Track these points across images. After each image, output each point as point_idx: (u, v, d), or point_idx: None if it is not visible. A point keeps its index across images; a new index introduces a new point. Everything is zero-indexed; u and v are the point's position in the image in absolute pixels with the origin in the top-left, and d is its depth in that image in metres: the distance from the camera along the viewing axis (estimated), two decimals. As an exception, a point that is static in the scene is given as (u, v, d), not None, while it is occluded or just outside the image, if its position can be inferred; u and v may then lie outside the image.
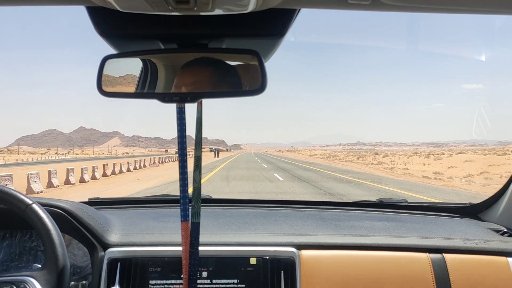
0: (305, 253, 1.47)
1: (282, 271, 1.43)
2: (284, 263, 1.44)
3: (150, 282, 1.40)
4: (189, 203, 1.04)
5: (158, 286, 1.40)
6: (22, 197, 1.14)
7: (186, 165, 1.00)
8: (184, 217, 1.03)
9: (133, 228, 1.60)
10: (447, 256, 1.48)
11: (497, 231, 1.73)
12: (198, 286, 1.37)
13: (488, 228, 1.78)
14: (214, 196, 2.24)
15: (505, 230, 1.74)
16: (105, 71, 0.95)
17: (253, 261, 1.43)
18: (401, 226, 1.72)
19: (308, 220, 1.79)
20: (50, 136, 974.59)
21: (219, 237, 1.52)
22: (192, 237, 1.03)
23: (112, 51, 0.98)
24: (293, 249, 1.47)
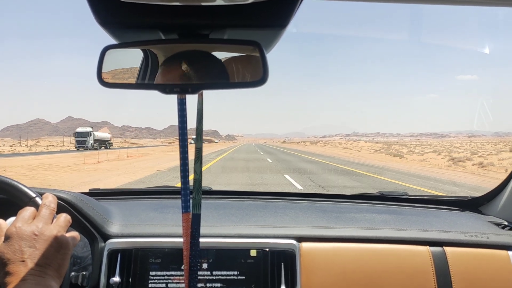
0: (305, 245, 1.47)
1: (282, 263, 1.43)
2: (284, 255, 1.45)
3: (151, 273, 1.41)
4: (190, 195, 1.04)
5: (158, 277, 1.40)
6: (26, 189, 1.14)
7: (187, 156, 1.00)
8: (185, 208, 1.03)
9: (134, 219, 1.60)
10: (448, 249, 1.48)
11: (498, 224, 1.71)
12: (198, 277, 1.37)
13: (489, 221, 1.76)
14: (215, 188, 2.24)
15: (506, 223, 1.72)
16: (105, 62, 0.94)
17: (253, 253, 1.43)
18: (401, 219, 1.71)
19: (308, 212, 1.77)
20: (37, 126, 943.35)
21: (220, 229, 1.52)
22: (193, 228, 1.04)
23: (112, 41, 0.96)
24: (293, 241, 1.47)
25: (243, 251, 1.44)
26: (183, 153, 0.99)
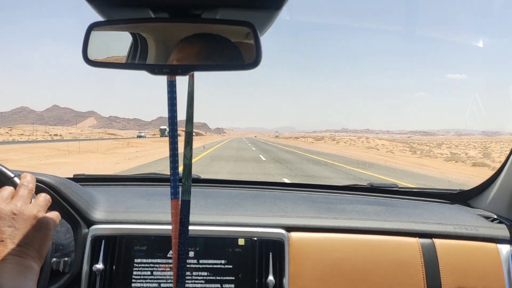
0: (294, 235, 1.45)
1: (270, 253, 1.41)
2: (273, 244, 1.43)
3: (135, 260, 1.37)
4: (179, 181, 1.00)
5: (143, 265, 1.37)
6: (4, 170, 1.11)
7: (177, 141, 0.96)
8: (174, 195, 0.98)
9: (119, 205, 1.55)
10: (437, 241, 1.48)
11: (487, 217, 1.72)
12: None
13: (478, 214, 1.76)
14: (203, 176, 2.20)
15: (495, 217, 1.72)
16: (93, 40, 0.89)
17: (241, 242, 1.41)
18: (391, 211, 1.69)
19: (298, 202, 1.75)
20: (21, 114, 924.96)
21: (208, 217, 1.48)
22: (182, 215, 1.00)
23: (99, 19, 0.92)
24: (283, 231, 1.45)
25: (231, 240, 1.42)
26: (173, 137, 0.96)
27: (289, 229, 1.46)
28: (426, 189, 2.16)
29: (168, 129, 0.91)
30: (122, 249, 1.38)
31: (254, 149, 38.72)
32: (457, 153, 42.60)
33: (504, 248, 1.49)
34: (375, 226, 1.52)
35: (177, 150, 0.96)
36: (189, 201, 1.01)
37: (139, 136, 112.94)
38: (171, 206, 0.99)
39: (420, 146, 64.73)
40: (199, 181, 2.10)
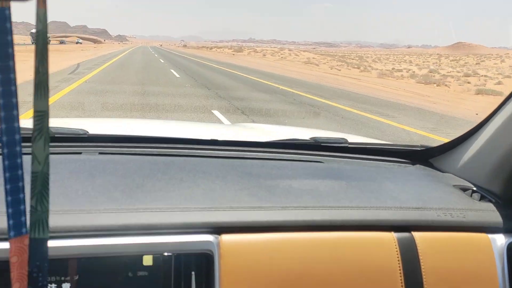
0: (227, 239, 0.98)
1: (193, 273, 0.93)
2: (197, 259, 0.95)
3: None
4: (24, 203, 0.48)
5: None
6: None
7: (16, 101, 0.43)
8: (15, 229, 0.47)
9: None
10: (417, 235, 1.10)
11: (464, 189, 1.35)
12: None
13: (454, 185, 1.38)
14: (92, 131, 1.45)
15: (474, 188, 1.35)
16: None
17: (147, 261, 0.91)
18: (351, 188, 1.27)
19: (228, 177, 1.22)
20: None
21: (92, 218, 0.92)
22: (33, 266, 0.49)
23: None
24: (210, 237, 0.96)
25: (131, 259, 0.90)
26: (8, 109, 0.42)
27: (220, 230, 0.99)
28: (381, 146, 1.78)
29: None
30: None
31: (178, 75, 20.43)
32: (408, 69, 36.95)
33: (498, 240, 1.15)
34: (338, 219, 1.09)
35: (18, 145, 0.45)
36: (46, 239, 0.50)
37: None
38: (10, 249, 0.48)
39: (353, 60, 56.32)
40: (84, 140, 1.40)
